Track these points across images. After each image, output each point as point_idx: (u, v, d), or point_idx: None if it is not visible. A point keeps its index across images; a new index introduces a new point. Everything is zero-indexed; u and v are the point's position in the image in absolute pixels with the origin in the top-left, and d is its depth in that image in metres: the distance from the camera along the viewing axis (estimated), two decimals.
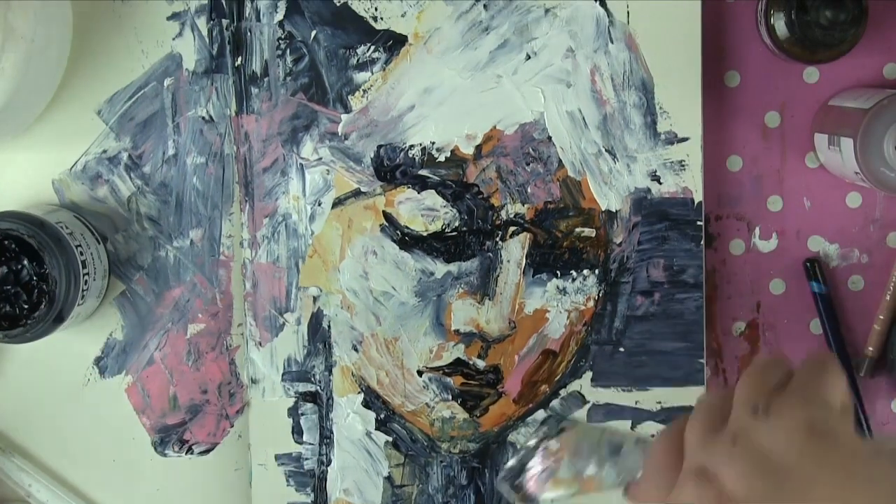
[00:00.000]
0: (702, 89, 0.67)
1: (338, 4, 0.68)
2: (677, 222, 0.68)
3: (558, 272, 0.68)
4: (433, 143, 0.68)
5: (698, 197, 0.68)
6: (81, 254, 0.66)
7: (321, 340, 0.69)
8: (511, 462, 0.57)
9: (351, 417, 0.70)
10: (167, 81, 0.69)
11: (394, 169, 0.68)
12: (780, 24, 0.65)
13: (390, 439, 0.70)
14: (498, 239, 0.68)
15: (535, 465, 0.56)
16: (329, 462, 0.70)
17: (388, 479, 0.70)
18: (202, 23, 0.68)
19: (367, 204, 0.69)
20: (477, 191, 0.68)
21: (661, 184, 0.68)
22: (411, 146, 0.68)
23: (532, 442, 0.57)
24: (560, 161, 0.68)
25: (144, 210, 0.70)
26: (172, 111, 0.69)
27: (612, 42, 0.67)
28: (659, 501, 0.50)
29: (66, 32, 0.67)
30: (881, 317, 0.70)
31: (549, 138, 0.68)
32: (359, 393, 0.70)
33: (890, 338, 0.69)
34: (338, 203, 0.69)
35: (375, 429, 0.70)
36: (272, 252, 0.69)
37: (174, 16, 0.69)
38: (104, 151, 0.69)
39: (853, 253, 0.70)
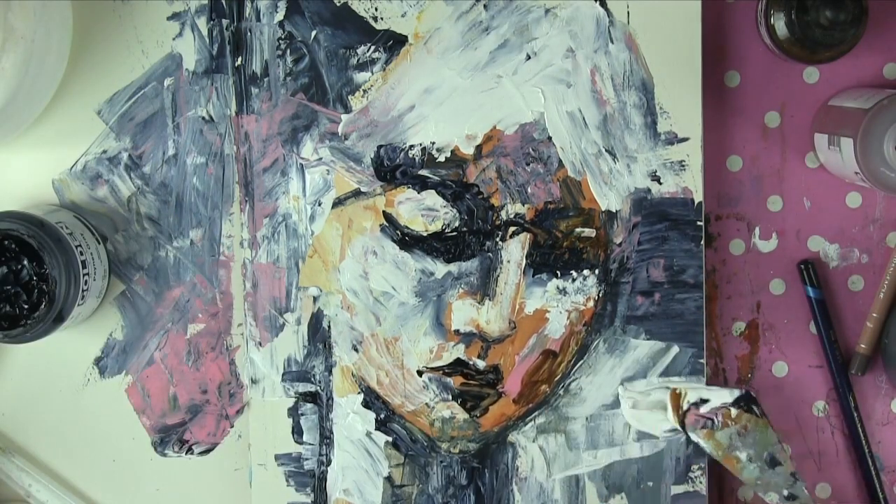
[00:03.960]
0: (702, 89, 0.67)
1: (338, 4, 0.68)
2: (677, 222, 0.68)
3: (558, 272, 0.68)
4: (433, 143, 0.68)
5: (698, 197, 0.68)
6: (81, 254, 0.66)
7: (321, 340, 0.69)
8: (699, 390, 0.64)
9: (351, 417, 0.70)
10: (167, 81, 0.69)
11: (394, 169, 0.68)
12: (780, 24, 0.65)
13: (390, 439, 0.70)
14: (498, 239, 0.68)
15: (706, 411, 0.63)
16: (329, 462, 0.70)
17: (388, 479, 0.70)
18: (202, 23, 0.68)
19: (367, 204, 0.69)
20: (477, 191, 0.68)
21: (661, 184, 0.68)
22: (411, 146, 0.68)
23: (724, 393, 0.63)
24: (560, 161, 0.68)
25: (144, 210, 0.70)
26: (172, 111, 0.69)
27: (612, 42, 0.67)
28: None
29: (66, 32, 0.67)
30: (874, 315, 0.70)
31: (549, 138, 0.68)
32: (359, 393, 0.70)
33: (885, 332, 0.69)
34: (338, 203, 0.69)
35: (375, 429, 0.70)
36: (272, 252, 0.69)
37: (174, 16, 0.69)
38: (104, 151, 0.70)
39: (853, 253, 0.70)
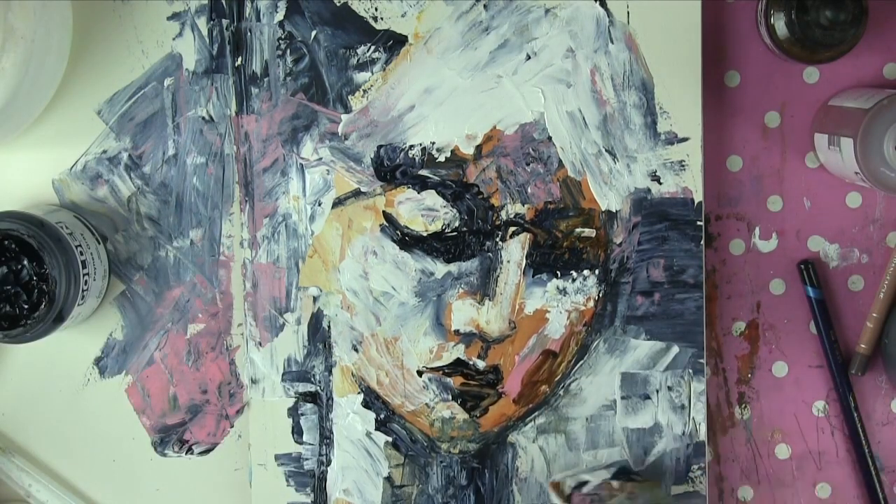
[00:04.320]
0: (702, 89, 0.67)
1: (338, 4, 0.68)
2: (677, 222, 0.68)
3: (558, 272, 0.68)
4: (433, 143, 0.68)
5: (698, 197, 0.68)
6: (81, 254, 0.66)
7: (321, 340, 0.69)
8: (577, 475, 0.66)
9: (351, 417, 0.70)
10: (167, 81, 0.69)
11: (394, 169, 0.68)
12: (780, 24, 0.65)
13: (390, 439, 0.70)
14: (498, 239, 0.68)
15: (588, 490, 0.65)
16: (329, 462, 0.70)
17: (388, 479, 0.70)
18: (202, 23, 0.68)
19: (367, 204, 0.69)
20: (477, 191, 0.68)
21: (661, 184, 0.68)
22: (411, 146, 0.68)
23: (602, 472, 0.66)
24: (560, 161, 0.68)
25: (144, 210, 0.70)
26: (172, 111, 0.69)
27: (612, 42, 0.67)
28: None
29: (66, 32, 0.67)
30: (874, 315, 0.70)
31: (549, 138, 0.68)
32: (359, 393, 0.70)
33: (885, 332, 0.69)
34: (338, 203, 0.69)
35: (375, 429, 0.70)
36: (272, 252, 0.69)
37: (174, 16, 0.69)
38: (104, 151, 0.70)
39: (853, 253, 0.70)
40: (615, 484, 0.65)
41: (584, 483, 0.65)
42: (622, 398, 0.69)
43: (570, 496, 0.66)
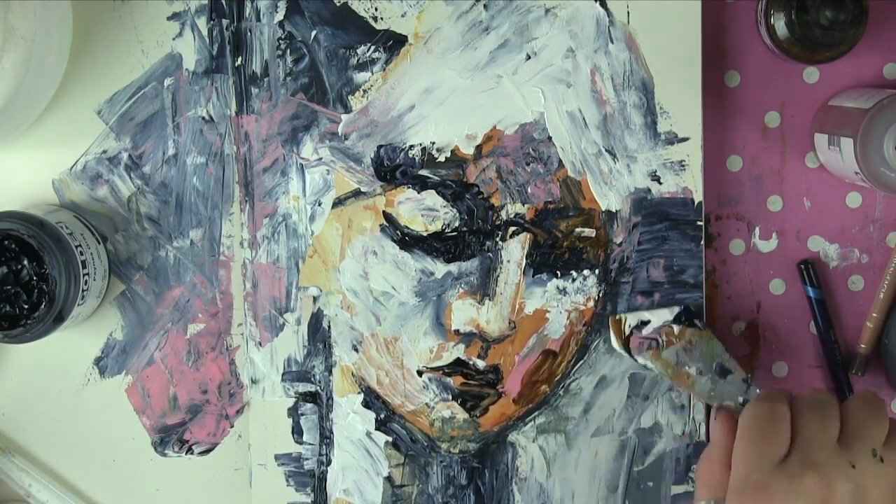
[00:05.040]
0: (702, 89, 0.67)
1: (338, 4, 0.68)
2: (677, 222, 0.68)
3: (558, 272, 0.68)
4: (433, 143, 0.68)
5: (698, 197, 0.68)
6: (81, 254, 0.66)
7: (321, 340, 0.69)
8: (639, 313, 0.65)
9: (351, 417, 0.70)
10: (167, 81, 0.69)
11: (394, 169, 0.68)
12: (780, 24, 0.65)
13: (390, 439, 0.70)
14: (498, 239, 0.68)
15: (648, 332, 0.64)
16: (329, 462, 0.70)
17: (388, 479, 0.70)
18: (202, 23, 0.68)
19: (367, 204, 0.69)
20: (477, 191, 0.68)
21: (661, 184, 0.68)
22: (411, 146, 0.68)
23: (664, 312, 0.65)
24: (560, 161, 0.68)
25: (144, 210, 0.70)
26: (172, 111, 0.69)
27: (612, 42, 0.67)
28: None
29: (66, 32, 0.67)
30: (874, 315, 0.70)
31: (550, 138, 0.68)
32: (359, 393, 0.70)
33: (885, 332, 0.69)
34: (338, 203, 0.69)
35: (375, 429, 0.70)
36: (272, 252, 0.69)
37: (174, 16, 0.69)
38: (104, 151, 0.70)
39: (853, 253, 0.70)
40: (676, 329, 0.64)
41: (646, 323, 0.65)
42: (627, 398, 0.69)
43: (629, 337, 0.65)
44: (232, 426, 0.71)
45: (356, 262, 0.69)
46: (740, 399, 0.64)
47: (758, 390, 0.64)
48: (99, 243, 0.69)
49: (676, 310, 0.66)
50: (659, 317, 0.65)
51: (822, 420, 0.56)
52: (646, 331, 0.65)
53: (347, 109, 0.68)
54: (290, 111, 0.68)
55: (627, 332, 0.66)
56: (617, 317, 0.66)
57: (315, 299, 0.69)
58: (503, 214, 0.68)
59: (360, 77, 0.68)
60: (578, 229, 0.68)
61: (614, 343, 0.67)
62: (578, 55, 0.67)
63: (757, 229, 0.71)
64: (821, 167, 0.70)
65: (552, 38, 0.67)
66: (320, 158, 0.68)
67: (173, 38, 0.69)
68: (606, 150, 0.68)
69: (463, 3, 0.67)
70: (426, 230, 0.68)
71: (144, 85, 0.69)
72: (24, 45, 0.61)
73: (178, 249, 0.70)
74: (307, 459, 0.70)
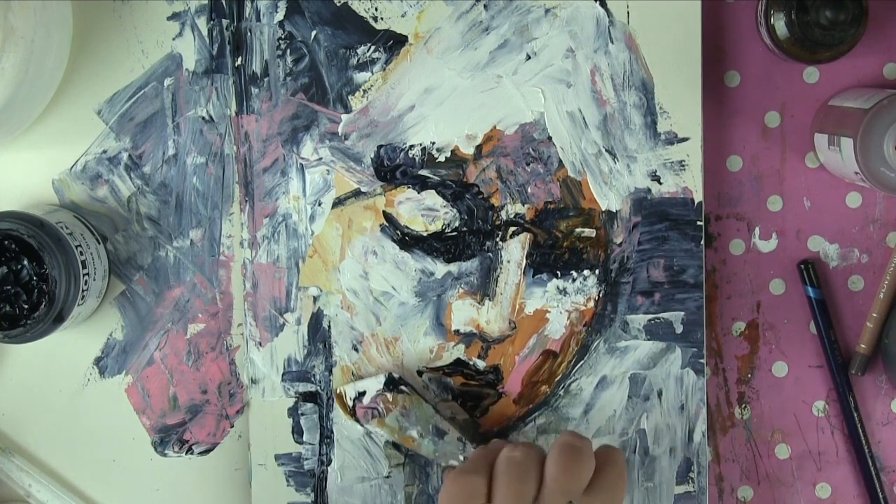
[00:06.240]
0: (702, 89, 0.67)
1: (338, 4, 0.68)
2: (677, 222, 0.68)
3: (558, 272, 0.68)
4: (433, 143, 0.68)
5: (698, 197, 0.68)
6: (81, 254, 0.66)
7: (321, 340, 0.69)
8: (357, 383, 0.67)
9: None
10: (167, 81, 0.69)
11: (394, 169, 0.68)
12: (780, 24, 0.65)
13: (390, 439, 0.70)
14: (498, 239, 0.68)
15: (368, 400, 0.66)
16: (329, 462, 0.70)
17: (388, 478, 0.70)
18: (202, 23, 0.68)
19: (367, 204, 0.69)
20: (477, 191, 0.68)
21: (661, 184, 0.68)
22: (411, 146, 0.68)
23: (375, 382, 0.67)
24: (560, 161, 0.68)
25: (144, 210, 0.70)
26: (172, 111, 0.69)
27: (612, 42, 0.67)
28: None
29: (66, 32, 0.67)
30: (874, 315, 0.70)
31: (550, 138, 0.68)
32: None
33: (885, 332, 0.69)
34: (338, 203, 0.69)
35: None
36: (272, 252, 0.69)
37: (174, 16, 0.69)
38: (104, 151, 0.70)
39: (853, 253, 0.70)
40: (389, 396, 0.66)
41: (363, 394, 0.67)
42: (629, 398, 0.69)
43: (354, 408, 0.67)
44: (232, 426, 0.71)
45: (356, 262, 0.69)
46: (461, 457, 0.66)
47: (474, 447, 0.66)
48: (99, 243, 0.69)
49: (382, 378, 0.67)
50: (372, 386, 0.67)
51: (518, 483, 0.55)
52: (365, 400, 0.67)
53: (347, 109, 0.68)
54: (290, 111, 0.68)
55: (350, 404, 0.67)
56: (338, 391, 0.68)
57: (315, 299, 0.69)
58: (503, 214, 0.68)
59: (360, 77, 0.68)
60: (578, 229, 0.68)
61: (342, 416, 0.68)
62: (578, 55, 0.67)
63: (757, 229, 0.71)
64: (821, 167, 0.70)
65: (552, 39, 0.67)
66: (320, 158, 0.68)
67: (173, 38, 0.69)
68: (606, 150, 0.68)
69: (463, 3, 0.67)
70: (426, 230, 0.68)
71: (144, 85, 0.69)
72: (24, 45, 0.61)
73: (178, 249, 0.70)
74: (307, 459, 0.70)
